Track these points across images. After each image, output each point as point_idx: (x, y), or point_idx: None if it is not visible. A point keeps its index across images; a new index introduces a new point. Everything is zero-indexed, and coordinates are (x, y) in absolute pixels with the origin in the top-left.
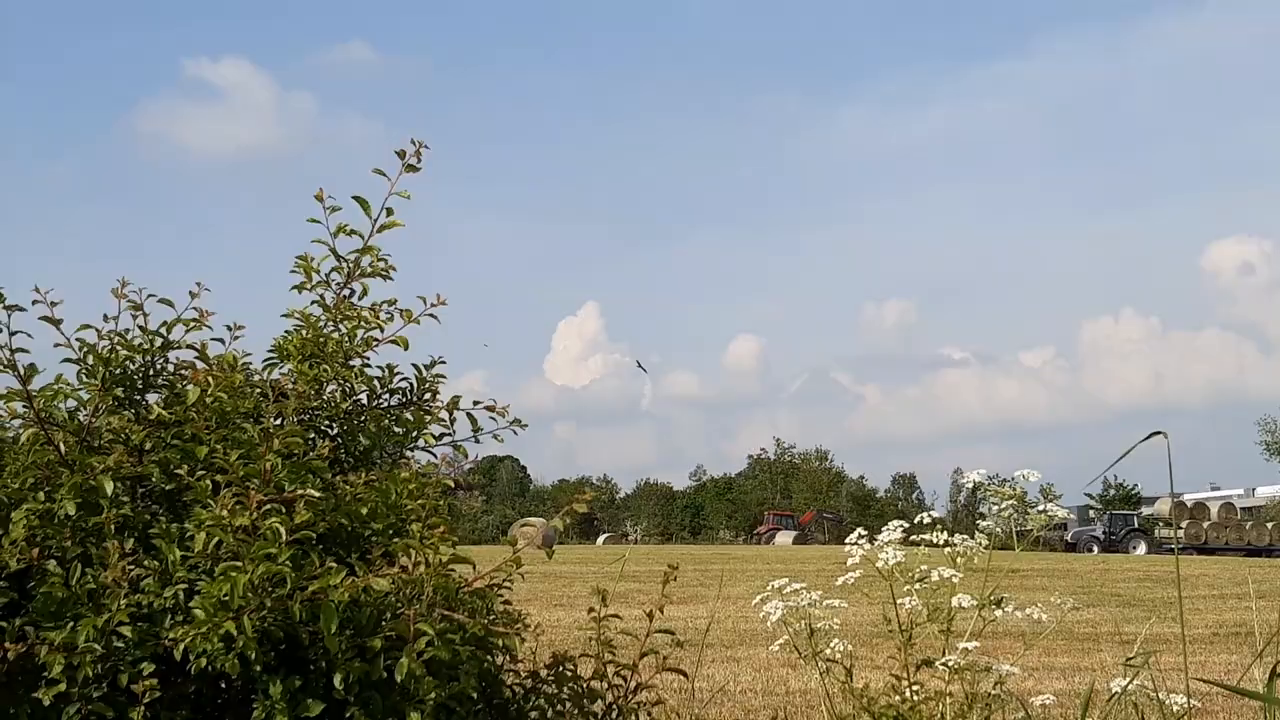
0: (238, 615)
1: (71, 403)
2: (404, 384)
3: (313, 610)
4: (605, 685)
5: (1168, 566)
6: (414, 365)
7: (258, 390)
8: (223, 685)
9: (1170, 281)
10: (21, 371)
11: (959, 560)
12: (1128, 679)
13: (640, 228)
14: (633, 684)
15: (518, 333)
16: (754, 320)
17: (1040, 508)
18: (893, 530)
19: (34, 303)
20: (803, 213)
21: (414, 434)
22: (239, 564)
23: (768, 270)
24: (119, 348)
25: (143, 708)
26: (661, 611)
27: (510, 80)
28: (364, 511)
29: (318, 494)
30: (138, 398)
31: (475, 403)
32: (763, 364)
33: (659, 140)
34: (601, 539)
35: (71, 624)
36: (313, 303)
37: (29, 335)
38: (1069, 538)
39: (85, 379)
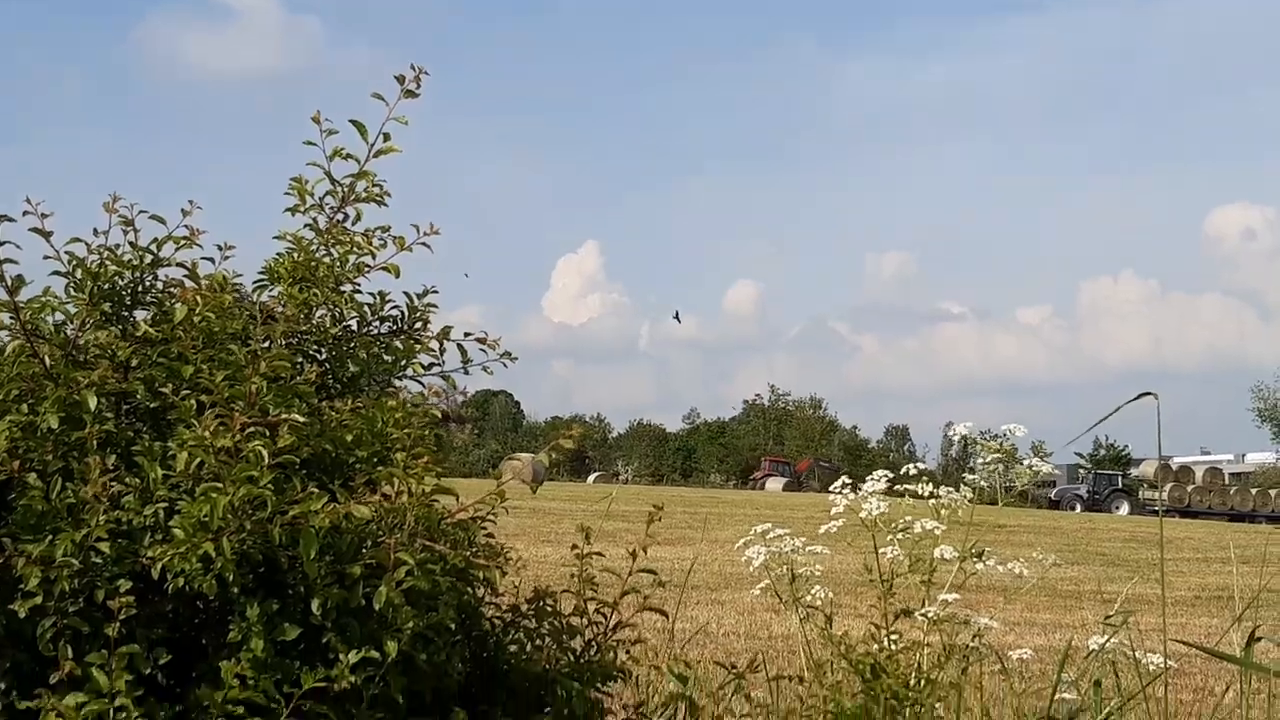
0: (217, 536)
1: (58, 316)
2: (395, 312)
3: (292, 535)
4: (585, 622)
5: (1153, 528)
6: (405, 293)
7: (246, 312)
8: (200, 606)
9: (1172, 245)
10: (9, 283)
11: (943, 512)
12: (1106, 637)
13: (644, 168)
14: (613, 621)
15: (517, 268)
16: (754, 266)
17: (1027, 462)
18: (877, 480)
19: (24, 214)
20: (809, 161)
21: (403, 362)
22: (220, 485)
23: (770, 217)
24: (108, 263)
25: (118, 624)
26: (645, 551)
27: (522, 16)
28: (349, 438)
29: (302, 419)
30: (125, 314)
31: (466, 334)
32: (761, 309)
33: (669, 81)
34: (592, 478)
35: (50, 538)
36: (305, 226)
37: (18, 246)
38: (1053, 495)
39: (73, 293)
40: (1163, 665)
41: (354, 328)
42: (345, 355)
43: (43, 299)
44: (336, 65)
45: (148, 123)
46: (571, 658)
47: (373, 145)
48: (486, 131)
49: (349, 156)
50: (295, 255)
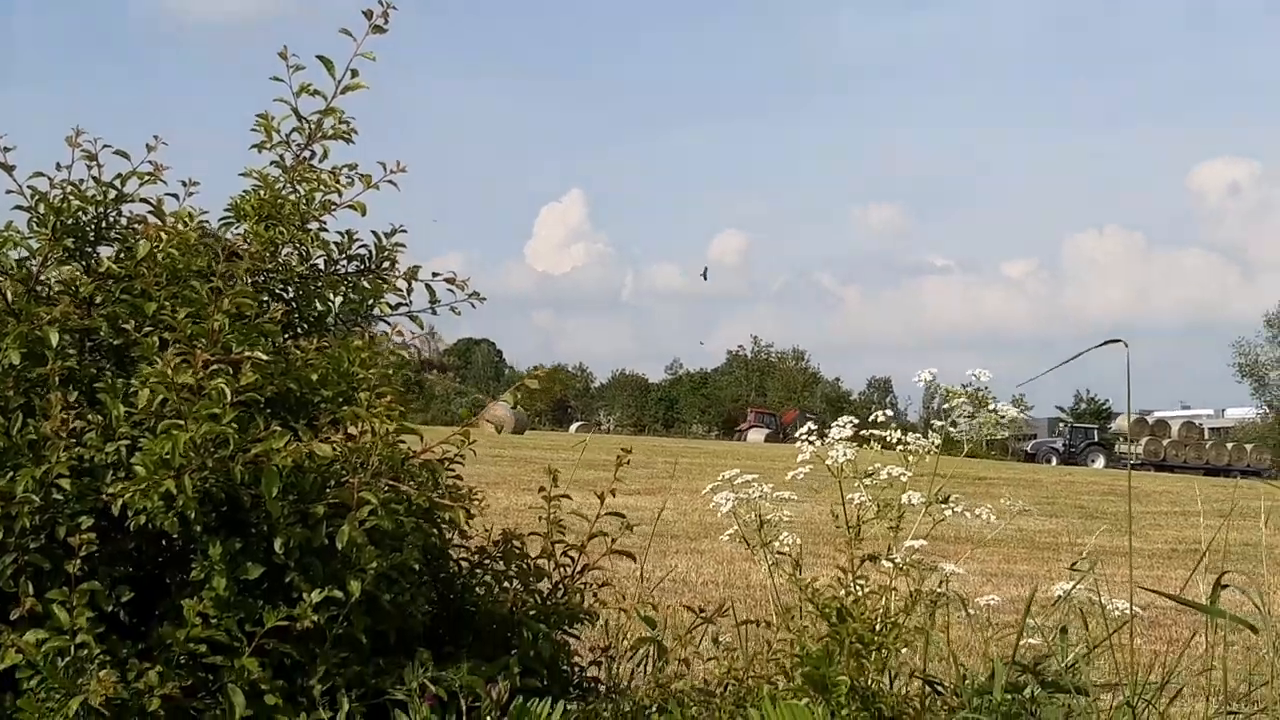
0: (178, 474)
1: (21, 251)
2: (363, 251)
3: (255, 473)
4: (552, 564)
5: (1132, 481)
6: (373, 233)
7: (210, 249)
8: (163, 544)
9: (1157, 199)
10: None
11: (911, 459)
12: (1071, 584)
13: (630, 117)
14: (580, 565)
15: (500, 216)
16: (739, 216)
17: (992, 407)
18: (842, 427)
19: None
20: (796, 111)
21: (370, 302)
22: (181, 423)
23: (756, 167)
24: (71, 198)
25: (80, 561)
26: (613, 494)
27: None
28: (314, 378)
29: (266, 357)
30: (89, 250)
31: (435, 274)
32: (746, 260)
33: (654, 27)
34: (574, 427)
35: (10, 474)
36: (272, 163)
37: None
38: (1029, 448)
39: (36, 228)
40: (1129, 612)
41: (321, 267)
42: (312, 294)
43: (4, 234)
44: (326, 6)
45: (130, 69)
46: (538, 600)
47: (340, 82)
48: (472, 76)
49: (316, 93)
50: (261, 193)
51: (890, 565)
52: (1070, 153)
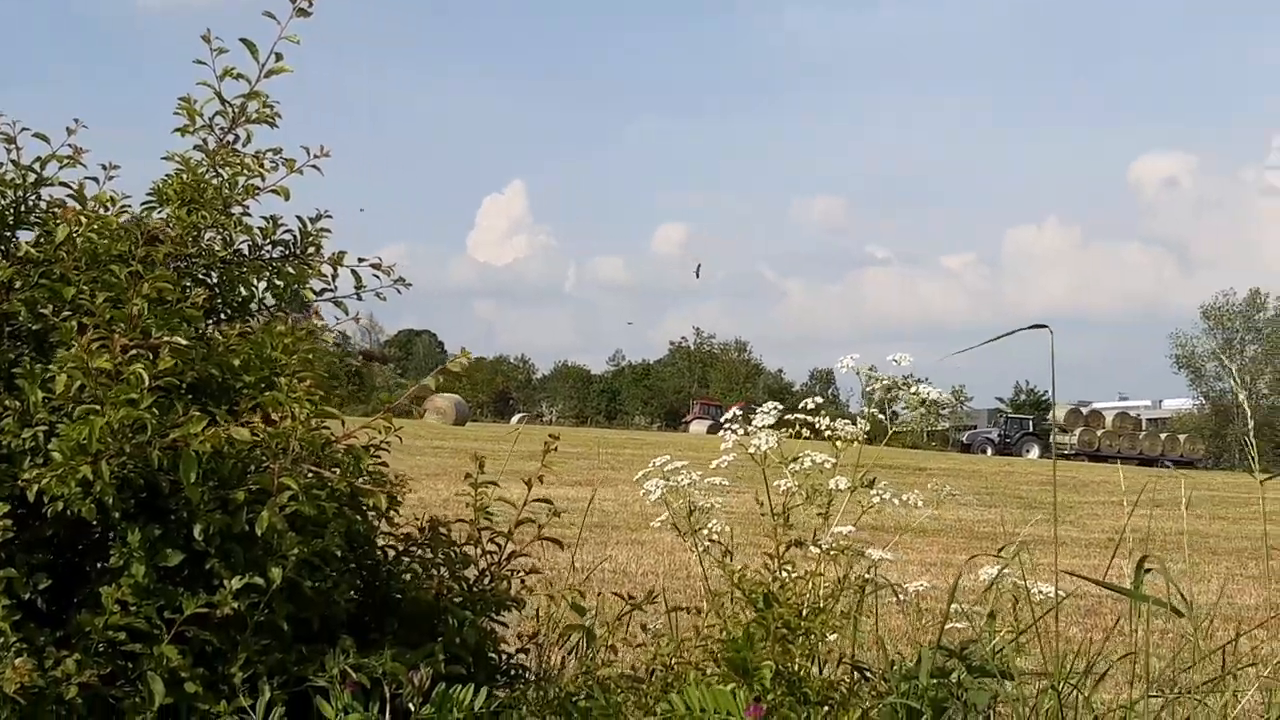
0: (95, 460)
1: None
2: (288, 236)
3: (173, 459)
4: (479, 551)
5: (1070, 471)
6: (298, 218)
7: (131, 233)
8: (82, 531)
9: (1096, 193)
10: None
11: (839, 445)
12: (996, 569)
13: (573, 109)
14: (507, 551)
15: (442, 207)
16: (683, 209)
17: (913, 390)
18: (766, 414)
19: None
20: (740, 106)
21: (295, 287)
22: (99, 408)
23: (700, 161)
24: None
25: None
26: (540, 481)
27: None
28: (236, 363)
29: (185, 342)
30: (7, 234)
31: (360, 259)
32: (689, 253)
33: (598, 21)
34: (516, 419)
35: None
36: (195, 147)
37: None
38: (965, 439)
39: None
40: (1054, 597)
41: (245, 252)
42: (236, 279)
43: None
44: None
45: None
46: (464, 587)
47: (264, 65)
48: (413, 66)
49: (240, 76)
50: (184, 176)
51: (818, 550)
52: (1010, 147)
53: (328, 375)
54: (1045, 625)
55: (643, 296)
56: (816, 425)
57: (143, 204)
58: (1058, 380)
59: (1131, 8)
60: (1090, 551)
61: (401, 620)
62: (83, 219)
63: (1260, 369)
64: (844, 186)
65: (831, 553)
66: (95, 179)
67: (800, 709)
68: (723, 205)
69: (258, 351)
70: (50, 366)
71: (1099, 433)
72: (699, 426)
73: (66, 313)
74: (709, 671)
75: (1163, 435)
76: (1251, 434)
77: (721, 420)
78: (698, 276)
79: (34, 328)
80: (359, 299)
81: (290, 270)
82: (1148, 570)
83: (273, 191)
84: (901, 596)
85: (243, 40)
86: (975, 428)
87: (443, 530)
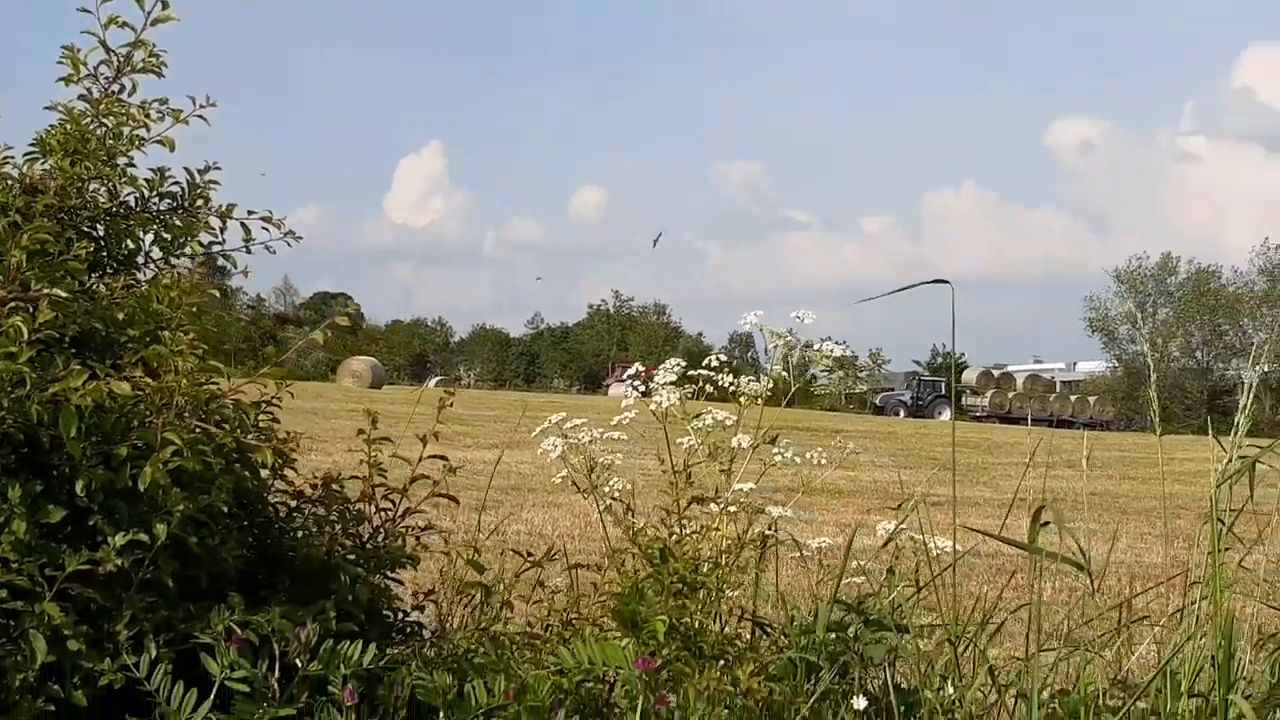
0: None
1: None
2: (175, 188)
3: (53, 413)
4: (374, 508)
5: (984, 433)
6: (185, 169)
7: (10, 184)
8: None
9: (1013, 157)
10: None
11: (742, 402)
12: (894, 524)
13: (489, 71)
14: (401, 508)
15: (359, 169)
16: (601, 172)
17: (816, 347)
18: (669, 371)
19: None
20: (658, 68)
21: (182, 240)
22: None
23: (618, 123)
24: None
25: None
26: (436, 438)
27: None
28: (120, 316)
29: (66, 294)
30: None
31: (250, 212)
32: (607, 215)
33: None
34: (433, 382)
35: None
36: (79, 97)
37: None
38: (878, 401)
39: None
40: (953, 552)
41: (132, 204)
42: (122, 232)
43: None
44: None
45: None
46: (358, 544)
47: (149, 13)
48: (330, 28)
49: (125, 25)
50: (67, 126)
51: (719, 508)
52: (927, 112)
53: (216, 330)
54: (946, 581)
55: (559, 258)
56: (720, 383)
57: (25, 154)
58: (976, 343)
59: None
60: (1002, 512)
61: (294, 578)
62: None
63: (1172, 332)
64: (763, 150)
65: (731, 509)
66: None
67: (695, 663)
68: (641, 168)
69: (143, 305)
70: None
71: (1010, 395)
72: (619, 389)
73: None
74: (605, 627)
75: (1073, 397)
76: (1154, 389)
77: (624, 378)
78: (655, 246)
79: None
80: (248, 252)
81: (178, 223)
82: (1044, 524)
83: (158, 142)
84: (806, 553)
85: None
86: (892, 390)
87: (336, 487)
